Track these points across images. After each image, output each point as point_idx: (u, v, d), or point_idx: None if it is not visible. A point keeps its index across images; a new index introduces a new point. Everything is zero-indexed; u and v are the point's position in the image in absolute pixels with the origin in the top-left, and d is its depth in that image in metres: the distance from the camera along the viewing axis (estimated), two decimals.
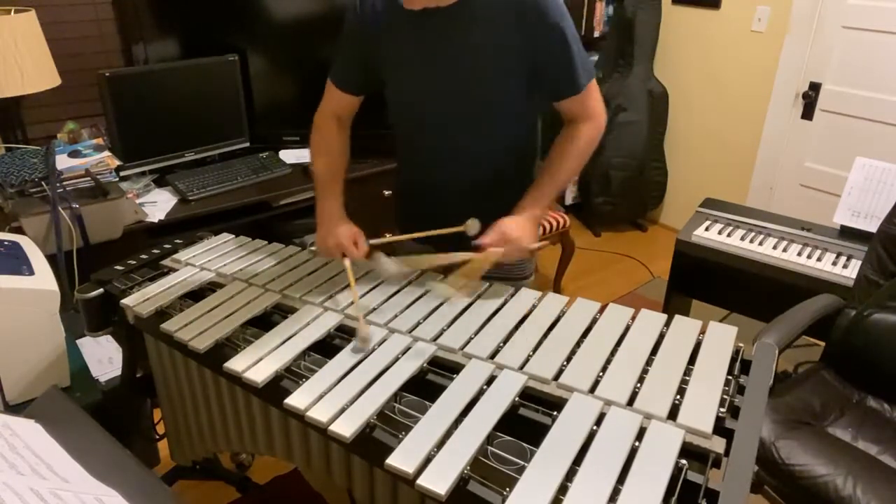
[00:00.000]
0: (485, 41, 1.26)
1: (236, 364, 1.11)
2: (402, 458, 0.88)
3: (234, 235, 1.63)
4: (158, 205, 2.26)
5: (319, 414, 0.97)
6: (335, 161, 1.48)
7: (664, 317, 1.19)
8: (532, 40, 1.25)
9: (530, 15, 1.22)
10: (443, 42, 1.29)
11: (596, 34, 3.62)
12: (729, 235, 2.28)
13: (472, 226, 1.29)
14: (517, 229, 1.27)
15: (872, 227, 2.08)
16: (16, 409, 1.33)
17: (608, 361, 1.07)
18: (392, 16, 1.31)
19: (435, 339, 1.15)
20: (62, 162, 2.13)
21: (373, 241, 1.39)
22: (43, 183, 2.01)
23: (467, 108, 1.34)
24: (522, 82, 1.31)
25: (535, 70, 1.29)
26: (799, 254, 2.16)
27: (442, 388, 1.01)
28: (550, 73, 1.30)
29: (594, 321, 1.19)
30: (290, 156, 2.66)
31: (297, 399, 1.01)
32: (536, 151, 1.52)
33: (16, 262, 1.36)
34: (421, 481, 0.84)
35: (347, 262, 1.35)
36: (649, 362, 1.07)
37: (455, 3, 1.24)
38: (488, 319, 1.21)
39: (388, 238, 1.42)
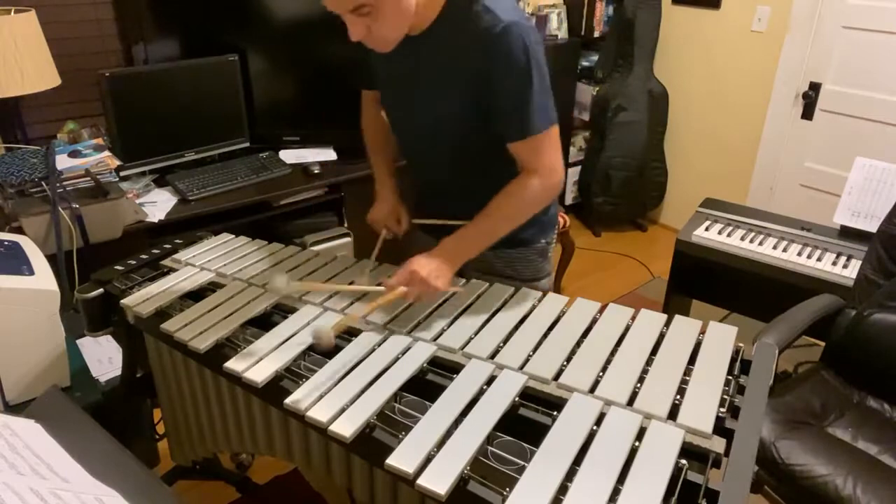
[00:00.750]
0: (445, 67, 1.25)
1: (236, 364, 1.11)
2: (402, 458, 0.88)
3: (234, 235, 1.63)
4: (158, 205, 2.26)
5: (319, 414, 0.97)
6: (379, 145, 1.57)
7: (664, 317, 1.19)
8: (490, 74, 1.20)
9: (493, 49, 1.18)
10: (414, 68, 1.29)
11: (596, 34, 3.62)
12: (729, 235, 2.28)
13: None
14: (427, 270, 1.20)
15: (872, 227, 2.08)
16: (16, 409, 1.33)
17: (608, 361, 1.07)
18: None
19: (435, 339, 1.15)
20: (62, 162, 2.13)
21: (416, 220, 1.49)
22: (43, 183, 2.01)
23: (433, 130, 1.35)
24: (480, 111, 1.26)
25: (488, 102, 1.24)
26: (799, 254, 2.16)
27: (442, 388, 1.01)
28: (501, 111, 1.24)
29: (594, 321, 1.19)
30: (290, 156, 2.66)
31: (297, 399, 1.01)
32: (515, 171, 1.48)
33: (16, 262, 1.36)
34: (421, 481, 0.84)
35: (381, 237, 1.47)
36: (649, 362, 1.07)
37: (424, 31, 1.24)
38: (488, 319, 1.21)
39: (430, 220, 1.46)
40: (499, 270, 1.47)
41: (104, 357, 1.63)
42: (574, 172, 3.81)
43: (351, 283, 1.33)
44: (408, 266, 1.21)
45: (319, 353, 1.13)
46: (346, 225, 2.66)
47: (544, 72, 1.22)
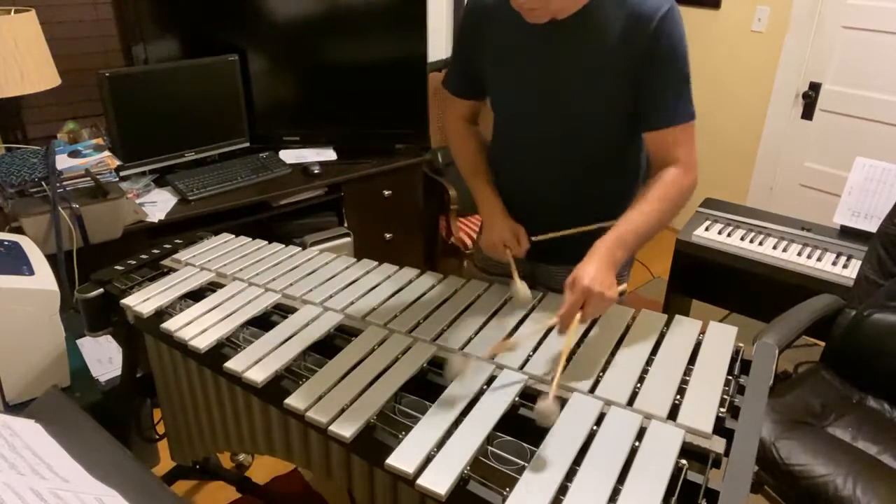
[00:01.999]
0: (593, 56, 1.19)
1: (236, 364, 1.11)
2: (402, 458, 0.88)
3: (234, 235, 1.63)
4: (158, 205, 2.26)
5: (319, 414, 0.97)
6: (474, 158, 1.45)
7: (664, 317, 1.18)
8: (642, 59, 1.17)
9: (660, 31, 1.15)
10: (549, 51, 1.22)
11: None
12: (729, 235, 2.28)
13: None
14: (597, 281, 1.06)
15: (872, 227, 2.08)
16: (16, 409, 1.33)
17: (608, 361, 1.07)
18: (503, 13, 1.23)
19: (435, 339, 1.15)
20: (62, 162, 2.13)
21: (535, 238, 1.35)
22: (43, 183, 2.01)
23: (564, 121, 1.27)
24: (628, 99, 1.22)
25: (639, 89, 1.20)
26: (799, 254, 2.16)
27: (442, 388, 1.01)
28: (647, 94, 1.20)
29: (594, 321, 1.19)
30: (290, 156, 2.66)
31: (297, 399, 1.01)
32: (639, 175, 1.41)
33: (16, 262, 1.36)
34: (421, 481, 0.84)
35: (510, 257, 1.32)
36: (649, 362, 1.07)
37: (572, 14, 1.18)
38: (488, 319, 1.21)
39: (550, 235, 1.33)
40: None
41: (104, 357, 1.63)
42: None
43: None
44: (576, 285, 1.07)
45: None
46: (346, 225, 2.66)
47: (688, 66, 1.21)
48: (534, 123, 1.32)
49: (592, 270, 1.08)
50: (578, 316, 1.06)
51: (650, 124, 1.23)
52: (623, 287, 1.14)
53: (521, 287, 1.21)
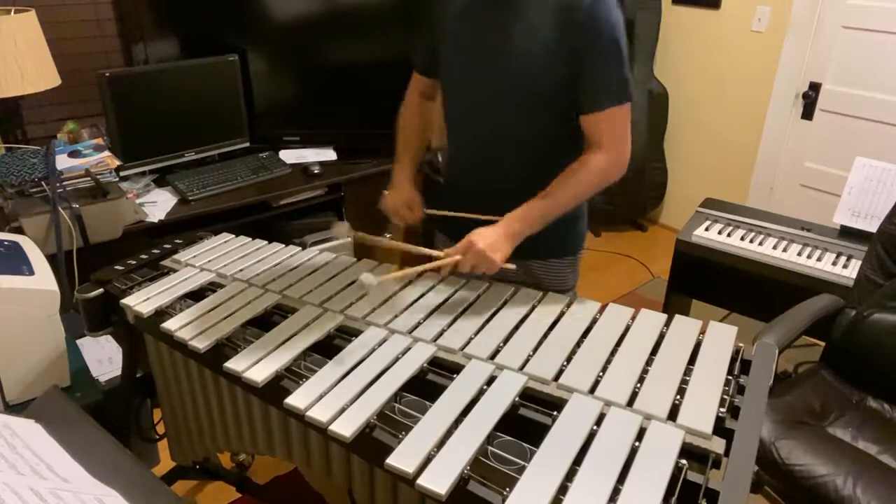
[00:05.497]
0: (532, 31, 1.23)
1: (236, 364, 1.11)
2: (402, 458, 0.88)
3: (234, 235, 1.63)
4: (158, 205, 2.26)
5: (319, 414, 0.97)
6: (409, 133, 1.54)
7: (664, 317, 1.19)
8: (572, 39, 1.20)
9: (576, 12, 1.18)
10: (492, 26, 1.27)
11: None
12: (729, 235, 2.28)
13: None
14: (485, 242, 1.21)
15: (872, 227, 2.08)
16: (16, 409, 1.33)
17: (608, 361, 1.07)
18: None
19: (435, 339, 1.15)
20: (62, 162, 2.13)
21: (429, 211, 1.48)
22: (43, 183, 2.01)
23: (509, 95, 1.30)
24: (560, 78, 1.25)
25: (570, 70, 1.24)
26: (799, 254, 2.16)
27: (442, 389, 1.01)
28: (578, 78, 1.24)
29: (594, 321, 1.19)
30: (290, 156, 2.66)
31: (297, 399, 1.01)
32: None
33: (16, 262, 1.36)
34: (421, 481, 0.84)
35: (394, 230, 1.46)
36: (649, 362, 1.07)
37: None
38: (488, 320, 1.21)
39: (444, 213, 1.45)
40: (524, 281, 1.44)
41: (104, 357, 1.63)
42: None
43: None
44: (468, 236, 1.22)
45: (319, 352, 1.13)
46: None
47: (623, 49, 1.23)
48: (472, 101, 1.36)
49: (487, 232, 1.23)
50: (456, 259, 1.22)
51: (579, 108, 1.28)
52: (512, 266, 1.27)
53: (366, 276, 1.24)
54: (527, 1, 1.23)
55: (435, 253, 1.28)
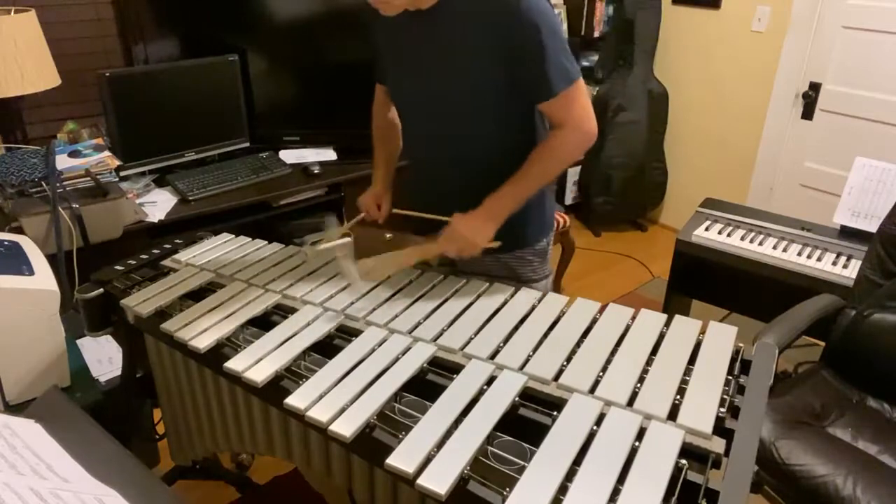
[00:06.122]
0: (462, 41, 1.26)
1: (236, 364, 1.11)
2: (402, 458, 0.88)
3: (234, 235, 1.63)
4: (158, 205, 2.26)
5: (319, 414, 0.97)
6: (381, 134, 1.62)
7: (664, 317, 1.18)
8: (506, 40, 1.23)
9: (505, 14, 1.20)
10: (425, 42, 1.31)
11: (596, 34, 3.62)
12: (729, 235, 2.28)
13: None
14: (467, 226, 1.29)
15: (872, 227, 2.08)
16: (16, 409, 1.33)
17: (608, 361, 1.07)
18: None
19: (435, 339, 1.15)
20: (62, 162, 2.13)
21: (396, 210, 1.56)
22: (43, 183, 2.01)
23: (450, 106, 1.35)
24: (500, 82, 1.29)
25: (510, 70, 1.27)
26: (799, 254, 2.16)
27: (442, 388, 1.01)
28: (523, 74, 1.27)
29: (594, 321, 1.19)
30: (290, 156, 2.66)
31: (297, 399, 1.01)
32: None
33: (16, 262, 1.36)
34: (421, 481, 0.84)
35: (359, 217, 1.54)
36: (649, 362, 1.07)
37: (433, 4, 1.25)
38: (488, 320, 1.21)
39: (409, 212, 1.50)
40: (496, 273, 1.47)
41: (104, 357, 1.63)
42: (574, 172, 3.81)
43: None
44: (451, 222, 1.30)
45: (318, 352, 1.13)
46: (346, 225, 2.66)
47: (559, 34, 1.25)
48: (418, 111, 1.43)
49: (467, 217, 1.30)
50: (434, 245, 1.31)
51: (534, 98, 1.31)
52: (496, 245, 1.33)
53: (350, 266, 1.34)
54: (454, 14, 1.25)
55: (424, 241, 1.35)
